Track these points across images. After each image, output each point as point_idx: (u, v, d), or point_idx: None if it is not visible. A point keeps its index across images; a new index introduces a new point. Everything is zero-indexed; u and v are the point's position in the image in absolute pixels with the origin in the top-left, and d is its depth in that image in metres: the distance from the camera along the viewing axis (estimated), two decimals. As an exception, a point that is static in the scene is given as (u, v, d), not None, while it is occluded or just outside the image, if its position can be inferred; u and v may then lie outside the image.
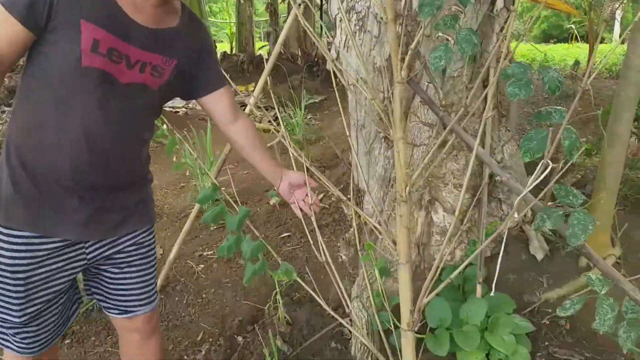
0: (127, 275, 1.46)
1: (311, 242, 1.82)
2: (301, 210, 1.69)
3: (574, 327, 2.31)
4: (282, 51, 9.67)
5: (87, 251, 1.36)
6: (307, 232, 1.83)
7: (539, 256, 2.52)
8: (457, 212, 1.69)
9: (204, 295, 2.67)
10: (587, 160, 2.79)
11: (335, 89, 1.64)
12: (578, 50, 12.22)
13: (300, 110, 4.82)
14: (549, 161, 1.50)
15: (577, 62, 7.05)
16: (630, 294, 1.75)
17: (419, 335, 2.18)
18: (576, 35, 12.52)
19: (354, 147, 2.64)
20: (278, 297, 2.29)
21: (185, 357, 2.31)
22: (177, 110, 7.24)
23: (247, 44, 9.84)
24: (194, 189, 3.81)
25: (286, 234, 3.01)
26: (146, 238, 1.49)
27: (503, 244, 2.11)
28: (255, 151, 1.59)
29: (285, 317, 2.31)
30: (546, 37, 19.79)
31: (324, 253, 1.98)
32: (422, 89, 2.10)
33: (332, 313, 1.99)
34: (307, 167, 1.82)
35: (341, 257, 2.74)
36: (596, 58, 7.33)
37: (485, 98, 2.09)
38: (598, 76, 7.08)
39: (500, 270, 2.60)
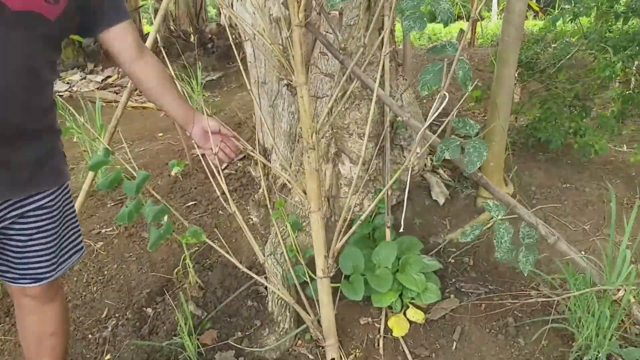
0: (37, 242, 1.30)
1: (223, 203, 1.74)
2: (220, 161, 1.61)
3: (477, 264, 2.45)
4: (174, 29, 9.25)
5: None
6: (219, 195, 1.75)
7: (441, 201, 2.64)
8: (360, 162, 1.70)
9: (105, 272, 2.49)
10: (476, 106, 2.95)
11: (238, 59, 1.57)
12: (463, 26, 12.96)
13: (198, 85, 4.64)
14: (446, 93, 1.55)
15: (461, 30, 7.46)
16: (525, 217, 1.87)
17: (334, 284, 2.19)
18: (461, 15, 13.27)
19: (257, 104, 2.58)
20: (187, 261, 2.19)
21: (90, 336, 2.15)
22: (61, 93, 6.67)
23: (135, 23, 9.28)
24: (86, 167, 3.54)
25: (192, 203, 2.89)
26: (57, 199, 1.33)
27: (407, 190, 2.18)
28: (164, 91, 1.45)
29: (197, 282, 2.21)
30: (432, 18, 20.80)
31: (233, 208, 1.91)
32: (320, 33, 2.09)
33: (247, 271, 1.93)
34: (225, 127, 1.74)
35: (252, 219, 2.68)
36: (477, 29, 7.84)
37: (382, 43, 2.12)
38: (481, 46, 7.55)
39: (406, 216, 2.70)
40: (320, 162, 2.40)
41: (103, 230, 2.85)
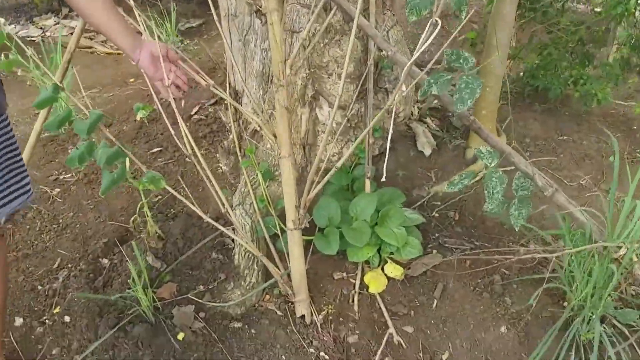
0: None
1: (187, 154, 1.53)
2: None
3: (463, 219, 2.27)
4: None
5: None
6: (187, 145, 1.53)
7: (427, 151, 2.44)
8: (336, 104, 1.49)
9: (60, 220, 2.29)
10: (471, 50, 2.73)
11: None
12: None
13: (172, 29, 4.35)
14: (438, 19, 1.32)
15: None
16: (520, 167, 1.67)
17: (307, 237, 2.01)
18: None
19: (227, 41, 2.33)
20: (145, 209, 1.98)
21: (39, 287, 1.96)
22: (33, 37, 6.29)
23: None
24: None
25: (157, 149, 2.67)
26: None
27: (389, 137, 1.97)
28: (111, 21, 1.28)
29: (156, 232, 2.02)
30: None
31: (189, 149, 1.70)
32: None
33: (211, 221, 1.74)
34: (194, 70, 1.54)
35: (221, 168, 2.47)
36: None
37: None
38: None
39: (389, 168, 2.51)
40: (296, 105, 2.17)
41: (61, 177, 2.62)
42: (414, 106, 2.67)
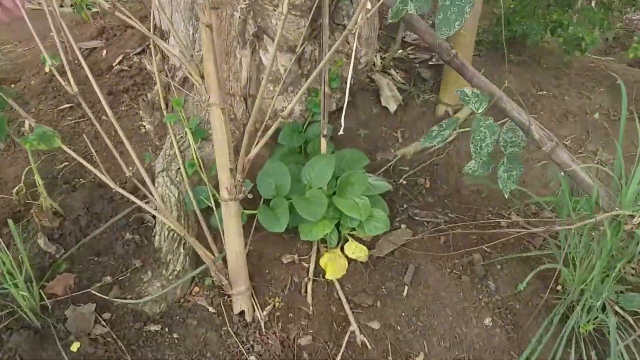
0: None
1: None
2: None
3: (435, 187, 1.93)
4: None
5: None
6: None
7: (392, 107, 2.06)
8: (276, 42, 1.07)
9: None
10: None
11: None
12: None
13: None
14: None
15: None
16: (513, 114, 1.32)
17: (249, 211, 1.61)
18: None
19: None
20: (36, 176, 1.52)
21: None
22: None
23: None
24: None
25: (67, 105, 2.17)
26: None
27: (349, 82, 1.58)
28: None
29: (51, 207, 1.56)
30: None
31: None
32: None
33: (121, 190, 1.31)
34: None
35: (144, 126, 2.02)
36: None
37: None
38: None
39: (349, 126, 2.13)
40: (234, 45, 1.74)
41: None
42: (376, 56, 2.28)
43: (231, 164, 1.31)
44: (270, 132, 1.29)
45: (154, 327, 1.35)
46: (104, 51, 2.64)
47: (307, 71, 1.83)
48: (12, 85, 2.61)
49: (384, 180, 1.73)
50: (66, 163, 1.89)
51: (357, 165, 1.70)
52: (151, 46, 1.90)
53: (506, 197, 1.36)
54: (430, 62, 2.29)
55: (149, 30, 1.37)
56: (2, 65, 2.94)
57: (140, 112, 2.04)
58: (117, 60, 2.49)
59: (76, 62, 2.49)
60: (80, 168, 1.89)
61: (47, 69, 2.53)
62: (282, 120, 1.26)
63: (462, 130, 1.46)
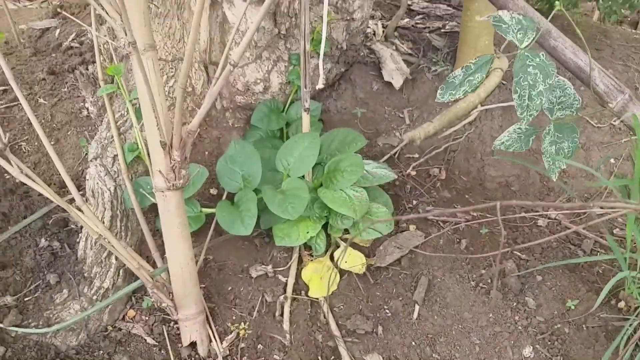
0: None
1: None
2: None
3: (452, 177, 1.55)
4: None
5: None
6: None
7: (397, 82, 1.67)
8: None
9: None
10: None
11: None
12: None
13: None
14: None
15: None
16: (566, 54, 0.93)
17: (206, 210, 1.22)
18: None
19: None
20: None
21: None
22: None
23: None
24: None
25: (2, 88, 1.80)
26: None
27: (323, 36, 1.19)
28: None
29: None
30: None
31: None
32: None
33: (26, 180, 0.94)
34: None
35: (87, 108, 1.64)
36: None
37: None
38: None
39: (343, 106, 1.74)
40: (192, -2, 1.36)
41: None
42: (377, 23, 1.90)
43: (163, 136, 0.92)
44: (216, 87, 0.91)
45: (62, 369, 0.96)
46: (57, 31, 2.29)
47: (286, 30, 1.44)
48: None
49: (387, 168, 1.34)
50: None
51: (351, 148, 1.31)
52: (91, 9, 1.53)
53: (554, 179, 0.98)
54: (443, 30, 1.90)
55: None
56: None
57: (82, 90, 1.66)
58: (70, 39, 2.14)
59: (22, 41, 2.13)
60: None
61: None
62: (232, 66, 0.89)
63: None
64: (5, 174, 1.33)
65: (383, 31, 1.85)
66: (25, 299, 1.06)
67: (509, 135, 0.98)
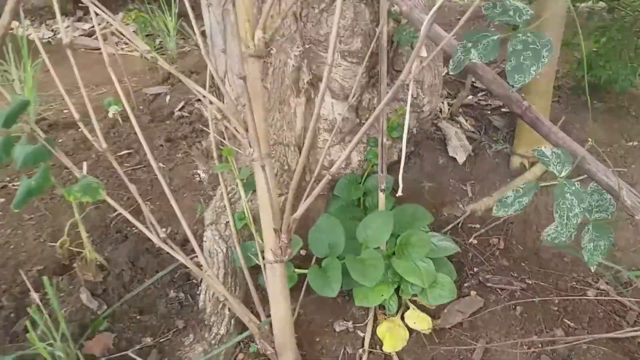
0: None
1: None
2: None
3: (510, 248, 1.73)
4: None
5: None
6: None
7: (461, 158, 1.90)
8: (321, 93, 0.97)
9: (-6, 238, 1.80)
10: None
11: None
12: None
13: (171, 16, 3.90)
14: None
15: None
16: (599, 177, 1.13)
17: (299, 271, 1.49)
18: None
19: (206, 23, 1.83)
20: (81, 229, 1.48)
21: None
22: (45, 39, 5.87)
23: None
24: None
25: (126, 152, 2.18)
26: None
27: (406, 128, 1.44)
28: None
29: (96, 260, 1.51)
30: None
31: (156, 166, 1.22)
32: None
33: (163, 245, 1.23)
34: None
35: (199, 175, 1.97)
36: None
37: None
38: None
39: (412, 178, 1.98)
40: (288, 94, 1.66)
41: (10, 185, 2.15)
42: (442, 102, 2.14)
43: (275, 224, 1.20)
44: (317, 189, 1.18)
45: (191, 399, 1.23)
46: (168, 97, 2.68)
47: (366, 120, 1.72)
48: (77, 129, 2.68)
49: (451, 241, 1.56)
50: (117, 212, 1.86)
51: (419, 224, 1.54)
52: (207, 94, 1.87)
53: (592, 270, 1.16)
54: (503, 109, 2.12)
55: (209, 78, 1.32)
56: (76, 108, 3.04)
57: (195, 159, 2.00)
58: (180, 106, 2.51)
59: (140, 107, 2.53)
60: (133, 217, 1.86)
61: (110, 114, 2.59)
62: (330, 176, 1.15)
63: (543, 184, 1.28)
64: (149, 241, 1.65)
65: (448, 109, 2.09)
66: (162, 341, 1.35)
67: (554, 230, 1.18)
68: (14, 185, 2.16)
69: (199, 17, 1.51)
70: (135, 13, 4.18)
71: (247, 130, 1.22)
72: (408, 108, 1.40)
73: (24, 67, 2.51)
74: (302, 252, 1.65)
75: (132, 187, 1.20)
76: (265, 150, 1.21)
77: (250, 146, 1.17)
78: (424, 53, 1.33)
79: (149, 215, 1.16)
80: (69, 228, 1.78)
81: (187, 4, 1.11)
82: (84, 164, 1.34)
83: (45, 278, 1.25)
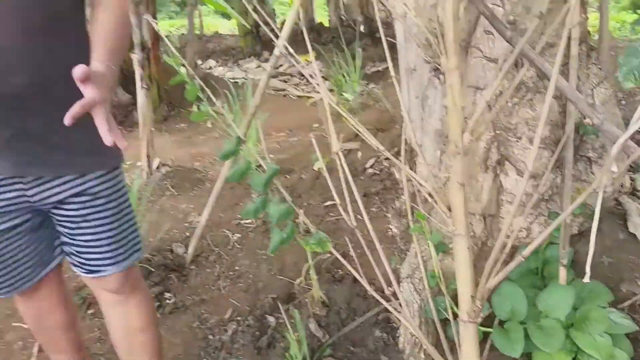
0: (86, 231, 1.20)
1: (361, 210, 1.44)
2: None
3: (691, 326, 1.79)
4: (344, 18, 9.17)
5: (26, 190, 1.13)
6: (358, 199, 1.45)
7: (642, 235, 2.00)
8: (527, 174, 1.25)
9: (237, 268, 2.38)
10: None
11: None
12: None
13: (355, 72, 4.40)
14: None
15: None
16: None
17: (484, 329, 1.76)
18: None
19: (404, 97, 2.21)
20: (311, 271, 1.94)
21: (211, 337, 2.03)
22: (237, 79, 6.97)
23: (306, 11, 9.37)
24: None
25: (331, 203, 2.65)
26: (102, 187, 1.20)
27: (596, 217, 1.63)
28: (98, 29, 1.10)
29: (321, 297, 1.96)
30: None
31: (357, 219, 1.61)
32: (483, 1, 1.63)
33: (374, 294, 1.62)
34: (356, 129, 1.48)
35: (391, 229, 2.35)
36: None
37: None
38: None
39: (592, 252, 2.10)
40: (477, 170, 1.95)
41: (243, 221, 2.76)
42: (624, 176, 2.23)
43: (472, 291, 1.50)
44: (512, 265, 1.45)
45: None
46: (359, 152, 3.12)
47: (548, 196, 1.93)
48: (287, 176, 3.25)
49: (629, 318, 1.70)
50: (329, 255, 2.31)
51: (598, 299, 1.71)
52: (407, 171, 2.24)
53: None
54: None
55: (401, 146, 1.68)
56: (279, 156, 3.65)
57: (389, 216, 2.38)
58: (370, 163, 2.94)
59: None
60: (338, 260, 2.30)
61: (315, 168, 3.12)
62: (523, 258, 1.41)
63: None
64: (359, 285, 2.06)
65: (631, 184, 2.18)
66: (371, 373, 1.74)
67: None
68: (245, 223, 2.76)
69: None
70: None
71: (449, 209, 1.55)
72: (599, 206, 1.61)
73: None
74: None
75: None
76: (465, 227, 1.53)
77: (453, 224, 1.49)
78: (614, 169, 1.53)
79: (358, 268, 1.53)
80: (295, 264, 2.28)
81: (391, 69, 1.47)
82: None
83: (296, 311, 1.71)
